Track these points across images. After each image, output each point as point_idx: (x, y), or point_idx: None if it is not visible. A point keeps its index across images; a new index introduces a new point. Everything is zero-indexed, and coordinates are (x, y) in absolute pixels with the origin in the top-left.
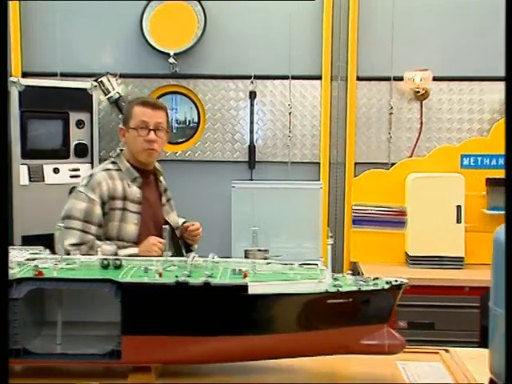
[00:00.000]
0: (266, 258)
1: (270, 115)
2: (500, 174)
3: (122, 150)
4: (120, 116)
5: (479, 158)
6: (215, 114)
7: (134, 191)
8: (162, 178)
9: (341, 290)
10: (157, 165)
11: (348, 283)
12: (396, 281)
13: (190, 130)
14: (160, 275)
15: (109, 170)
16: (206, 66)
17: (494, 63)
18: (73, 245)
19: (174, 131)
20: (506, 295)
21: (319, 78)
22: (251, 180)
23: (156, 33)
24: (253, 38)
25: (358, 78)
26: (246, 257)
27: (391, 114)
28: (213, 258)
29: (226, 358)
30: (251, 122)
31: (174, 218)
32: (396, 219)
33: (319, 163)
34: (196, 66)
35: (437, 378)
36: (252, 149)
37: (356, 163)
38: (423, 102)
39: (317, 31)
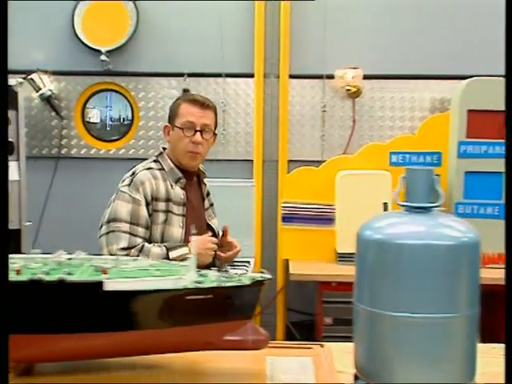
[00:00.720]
0: None
1: None
2: None
3: (164, 149)
4: (53, 114)
5: (407, 156)
6: (149, 112)
7: (178, 192)
8: (205, 181)
9: (200, 286)
10: (201, 166)
11: (211, 279)
12: (261, 277)
13: (125, 127)
14: (18, 273)
15: (151, 169)
16: (140, 64)
17: (425, 62)
18: (122, 249)
19: (108, 129)
20: (506, 295)
21: (252, 75)
22: None
23: (88, 30)
24: (186, 36)
25: (291, 76)
26: None
27: (324, 111)
28: (78, 254)
29: (85, 355)
30: None
31: (216, 224)
32: (325, 216)
33: (253, 161)
34: (129, 64)
35: (299, 372)
36: None
37: (289, 161)
38: (356, 99)
39: (249, 29)
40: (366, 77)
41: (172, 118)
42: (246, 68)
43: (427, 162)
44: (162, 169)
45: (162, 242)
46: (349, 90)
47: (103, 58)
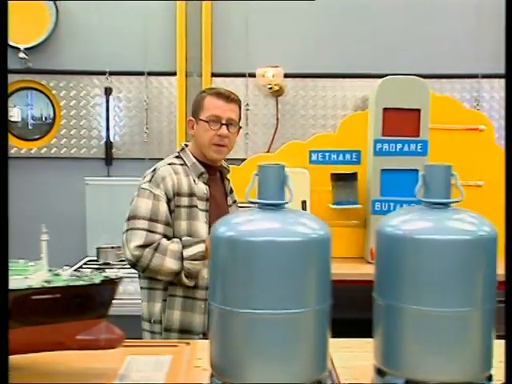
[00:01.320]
0: (118, 255)
1: (126, 111)
2: (345, 169)
3: (186, 145)
4: None
5: (327, 154)
6: (71, 111)
7: (201, 187)
8: (228, 177)
9: (47, 285)
10: (224, 163)
11: (62, 279)
12: (115, 276)
13: (47, 126)
14: None
15: (173, 164)
16: (61, 62)
17: (348, 61)
18: (138, 247)
19: (30, 128)
20: (506, 295)
21: (175, 74)
22: (108, 177)
23: None
24: (108, 34)
25: (214, 75)
26: (97, 255)
27: (248, 110)
28: None
29: None
30: (107, 119)
31: None
32: None
33: None
34: (50, 62)
35: (152, 370)
36: (108, 145)
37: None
38: (279, 98)
39: (172, 28)
40: (287, 75)
41: (196, 111)
42: (168, 66)
43: (347, 160)
44: (184, 164)
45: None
46: (271, 88)
47: (22, 55)
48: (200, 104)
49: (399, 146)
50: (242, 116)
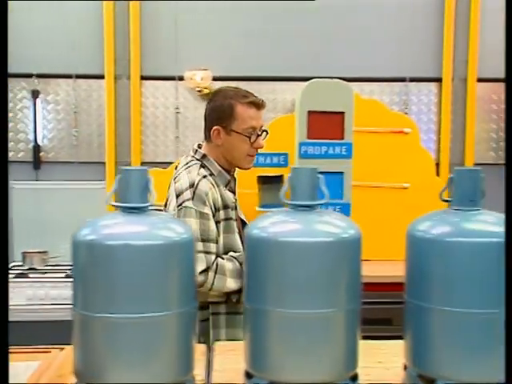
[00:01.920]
0: (44, 260)
1: (55, 114)
2: (273, 172)
3: (200, 146)
4: None
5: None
6: None
7: (230, 196)
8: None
9: None
10: None
11: None
12: None
13: None
14: None
15: (205, 176)
16: None
17: (278, 64)
18: (202, 272)
19: None
20: (506, 295)
21: (103, 77)
22: (36, 181)
23: None
24: (35, 36)
25: (143, 78)
26: (23, 259)
27: (178, 113)
28: None
29: None
30: (35, 122)
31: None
32: None
33: (105, 163)
34: None
35: (15, 375)
36: (37, 149)
37: (143, 163)
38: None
39: (100, 30)
40: (215, 78)
41: (225, 120)
42: (97, 69)
43: (274, 163)
44: (211, 174)
45: (225, 251)
46: (200, 91)
47: None
48: (230, 113)
49: (324, 148)
50: (173, 119)
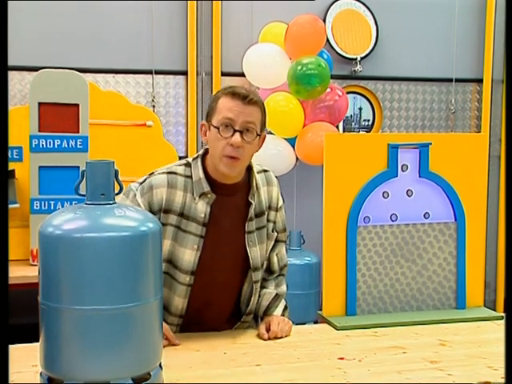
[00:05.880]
0: None
1: None
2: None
3: (207, 150)
4: None
5: None
6: None
7: (200, 209)
8: (258, 197)
9: None
10: (257, 178)
11: None
12: None
13: None
14: None
15: (175, 174)
16: None
17: None
18: None
19: None
20: (506, 296)
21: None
22: None
23: None
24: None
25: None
26: None
27: None
28: None
29: None
30: None
31: (260, 253)
32: None
33: None
34: None
35: None
36: None
37: None
38: None
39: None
40: None
41: (209, 114)
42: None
43: (8, 158)
44: (189, 176)
45: (171, 262)
46: None
47: None
48: (213, 106)
49: (57, 142)
50: None
